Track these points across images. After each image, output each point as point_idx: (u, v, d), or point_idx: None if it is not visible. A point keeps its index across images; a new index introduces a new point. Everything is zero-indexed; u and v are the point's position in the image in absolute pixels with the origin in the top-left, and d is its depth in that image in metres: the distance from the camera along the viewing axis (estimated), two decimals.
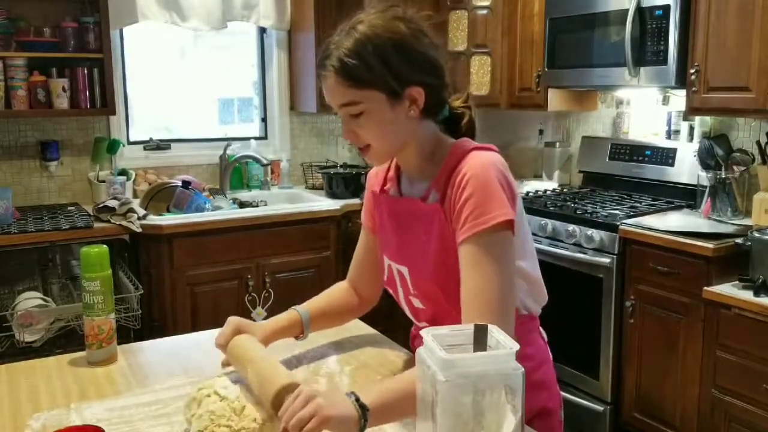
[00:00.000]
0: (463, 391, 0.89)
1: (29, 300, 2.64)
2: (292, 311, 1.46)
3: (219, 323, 1.56)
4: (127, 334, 2.69)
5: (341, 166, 3.96)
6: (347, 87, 1.19)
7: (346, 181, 3.63)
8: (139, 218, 2.98)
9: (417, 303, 1.34)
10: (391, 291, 1.42)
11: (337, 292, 1.55)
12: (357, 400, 1.07)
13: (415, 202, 1.31)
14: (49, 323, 2.59)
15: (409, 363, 1.50)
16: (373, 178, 1.45)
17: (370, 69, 1.18)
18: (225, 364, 1.37)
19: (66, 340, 2.70)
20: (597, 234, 2.92)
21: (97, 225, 2.93)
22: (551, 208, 3.19)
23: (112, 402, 1.31)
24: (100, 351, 1.48)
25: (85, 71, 3.18)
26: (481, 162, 1.20)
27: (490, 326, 0.94)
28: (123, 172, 3.43)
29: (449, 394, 0.88)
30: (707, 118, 3.10)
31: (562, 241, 3.08)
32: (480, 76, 3.85)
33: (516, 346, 0.90)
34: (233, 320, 1.40)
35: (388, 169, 1.41)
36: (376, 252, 1.46)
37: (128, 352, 1.57)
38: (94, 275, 1.45)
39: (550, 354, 1.42)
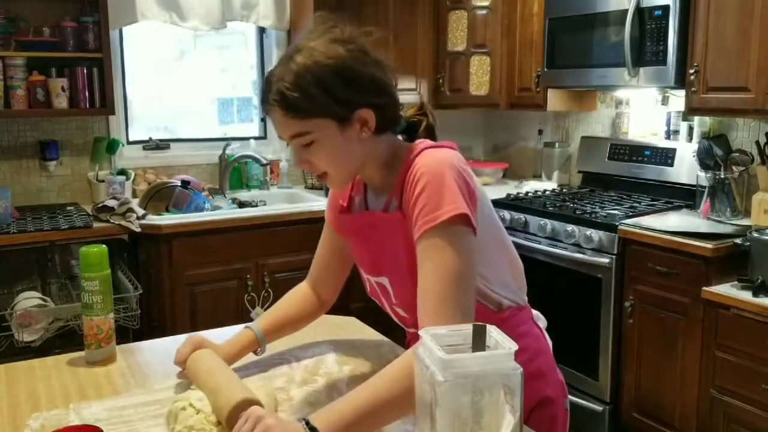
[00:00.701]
0: (461, 391, 0.89)
1: (28, 300, 2.63)
2: (246, 330, 1.45)
3: (218, 323, 1.57)
4: (126, 333, 2.69)
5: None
6: (293, 119, 1.17)
7: None
8: (138, 218, 2.98)
9: (401, 312, 1.34)
10: (377, 301, 1.41)
11: (294, 299, 1.53)
12: (307, 423, 1.04)
13: (375, 215, 1.29)
14: (48, 323, 2.59)
15: None
16: None
17: (313, 99, 1.15)
18: (182, 377, 1.38)
19: (65, 340, 2.69)
20: (596, 234, 2.92)
21: (96, 225, 2.92)
22: (550, 209, 3.19)
23: (111, 402, 1.31)
24: (99, 351, 1.48)
25: (85, 71, 3.18)
26: (432, 159, 1.18)
27: (488, 326, 0.94)
28: (122, 172, 3.43)
29: (448, 395, 0.88)
30: (706, 119, 3.11)
31: (561, 242, 3.08)
32: (479, 76, 3.85)
33: (515, 346, 0.89)
34: (193, 338, 1.40)
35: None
36: (338, 250, 1.46)
37: (127, 352, 1.57)
38: (93, 275, 1.45)
39: (548, 340, 1.41)
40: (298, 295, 1.53)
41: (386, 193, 1.29)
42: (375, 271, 1.34)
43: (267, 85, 1.19)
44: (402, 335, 1.60)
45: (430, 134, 1.32)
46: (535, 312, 1.43)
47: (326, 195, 3.56)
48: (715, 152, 2.94)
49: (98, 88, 3.22)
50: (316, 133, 1.18)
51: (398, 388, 1.07)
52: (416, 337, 0.97)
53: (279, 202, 3.69)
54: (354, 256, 1.41)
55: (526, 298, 1.37)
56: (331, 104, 1.16)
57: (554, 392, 1.36)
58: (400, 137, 1.32)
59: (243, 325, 1.47)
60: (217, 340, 1.44)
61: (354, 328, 1.70)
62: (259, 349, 1.46)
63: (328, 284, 1.52)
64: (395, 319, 1.40)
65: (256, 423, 1.03)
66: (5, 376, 1.44)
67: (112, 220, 2.95)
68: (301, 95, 1.15)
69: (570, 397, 2.18)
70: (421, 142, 1.26)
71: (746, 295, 2.39)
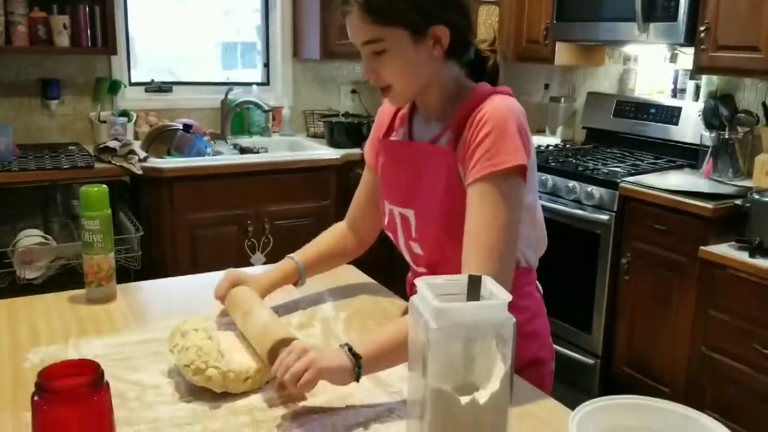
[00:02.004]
0: (454, 339, 0.91)
1: (30, 237, 2.65)
2: (287, 260, 1.47)
3: (219, 267, 1.58)
4: (128, 274, 2.71)
5: (343, 115, 3.93)
6: (370, 23, 1.17)
7: (347, 131, 3.61)
8: (140, 160, 2.98)
9: (417, 249, 1.35)
10: (390, 235, 1.42)
11: (333, 235, 1.54)
12: (350, 349, 1.09)
13: (423, 146, 1.30)
14: (50, 261, 2.62)
15: (403, 310, 1.51)
16: (384, 114, 1.43)
17: (395, 5, 1.16)
18: (223, 314, 1.40)
19: (66, 278, 2.72)
20: (597, 191, 2.92)
21: (98, 165, 2.93)
22: (552, 164, 3.18)
23: (111, 339, 1.34)
24: (99, 289, 1.50)
25: (87, 9, 3.14)
26: (501, 106, 1.20)
27: (484, 277, 0.95)
28: (124, 113, 3.41)
29: (441, 342, 0.90)
30: (714, 78, 3.07)
31: (561, 197, 3.08)
32: (487, 26, 3.79)
33: (508, 297, 0.91)
34: (231, 273, 1.41)
35: (399, 109, 1.39)
36: (377, 190, 1.45)
37: (127, 292, 1.58)
38: (93, 214, 1.46)
39: (545, 307, 1.44)
40: (337, 232, 1.55)
41: (439, 124, 1.29)
42: (404, 201, 1.34)
43: None
44: (400, 286, 1.61)
45: (495, 73, 1.32)
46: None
47: (329, 144, 3.59)
48: (720, 112, 2.91)
49: (100, 27, 3.17)
50: (390, 41, 1.18)
51: None
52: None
53: (280, 149, 3.68)
54: (383, 184, 1.40)
55: (537, 262, 1.39)
56: (411, 13, 1.17)
57: (545, 355, 1.39)
58: (464, 72, 1.31)
59: (287, 256, 1.49)
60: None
61: (351, 276, 1.72)
62: (299, 281, 1.48)
63: (365, 225, 1.52)
64: (406, 256, 1.41)
65: (301, 355, 1.07)
66: (6, 312, 1.46)
67: (113, 162, 2.95)
68: None
69: (562, 349, 2.21)
70: (484, 85, 1.27)
71: (743, 256, 2.41)
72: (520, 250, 1.30)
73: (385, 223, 1.41)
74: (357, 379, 1.09)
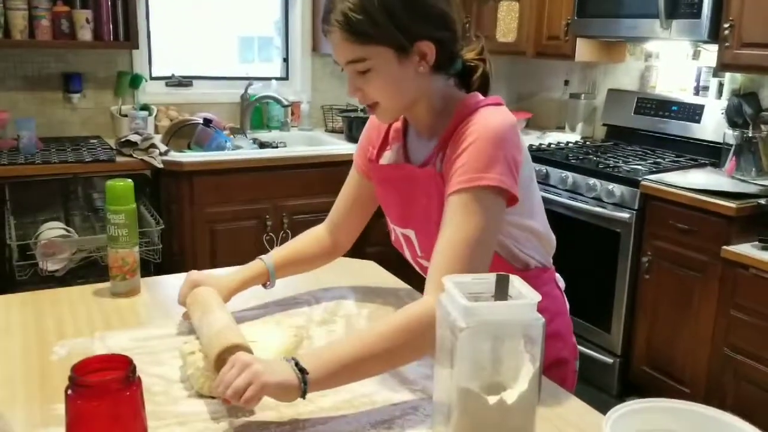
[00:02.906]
0: (482, 338, 0.91)
1: (52, 230, 2.68)
2: (257, 261, 1.44)
3: (238, 261, 1.59)
4: (148, 267, 2.73)
5: (361, 110, 3.92)
6: (353, 43, 1.15)
7: (365, 125, 3.59)
8: (160, 154, 3.00)
9: (426, 264, 1.34)
10: (399, 251, 1.41)
11: (308, 238, 1.51)
12: (296, 364, 1.03)
13: (413, 170, 1.28)
14: (72, 253, 2.64)
15: None
16: (377, 127, 1.40)
17: (376, 24, 1.13)
18: (186, 317, 1.37)
19: (87, 270, 2.75)
20: (618, 189, 2.90)
21: (119, 159, 2.95)
22: (573, 161, 3.17)
23: (136, 332, 1.35)
24: (123, 282, 1.51)
25: (109, 3, 3.16)
26: (487, 121, 1.16)
27: (512, 276, 0.95)
28: (145, 107, 3.43)
29: (468, 341, 0.90)
30: (737, 75, 3.04)
31: (581, 195, 3.06)
32: (507, 22, 3.77)
33: (538, 297, 0.90)
34: (192, 275, 1.39)
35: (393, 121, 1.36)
36: (362, 197, 1.44)
37: (151, 285, 1.59)
38: (119, 208, 1.47)
39: (567, 304, 1.43)
40: (313, 236, 1.52)
41: (431, 142, 1.27)
42: (403, 222, 1.33)
43: (331, 4, 1.17)
44: (419, 281, 1.61)
45: (485, 82, 1.29)
46: (556, 275, 1.44)
47: (347, 140, 3.59)
48: (744, 110, 2.88)
49: (122, 21, 3.19)
50: (374, 60, 1.16)
51: (390, 343, 1.07)
52: None
53: (299, 144, 3.69)
54: (382, 205, 1.40)
55: (551, 259, 1.38)
56: (394, 32, 1.14)
57: (569, 355, 1.38)
58: (452, 81, 1.28)
59: (258, 257, 1.46)
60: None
61: (372, 272, 1.72)
62: (268, 283, 1.44)
63: (345, 230, 1.50)
64: (417, 269, 1.41)
65: (243, 369, 1.01)
66: (32, 304, 1.47)
67: (135, 155, 2.97)
68: (365, 18, 1.13)
69: (581, 348, 2.20)
70: (474, 96, 1.24)
71: (766, 256, 2.38)
72: (526, 253, 1.29)
73: (392, 239, 1.40)
74: (303, 396, 1.03)
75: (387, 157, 1.37)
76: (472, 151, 1.14)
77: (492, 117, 1.17)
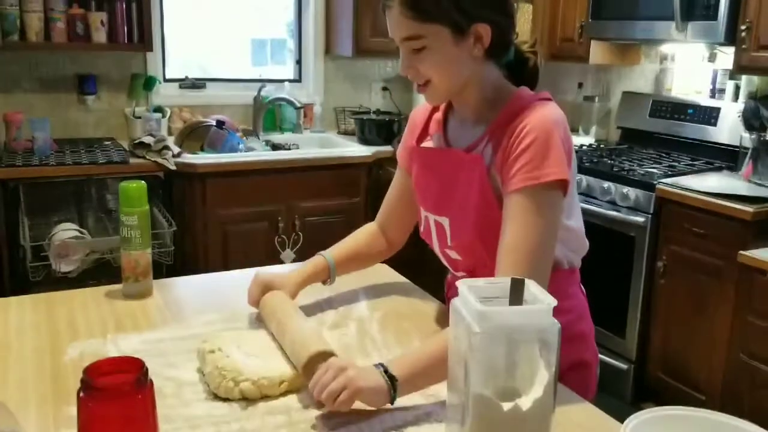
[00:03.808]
0: (497, 343, 0.89)
1: (65, 231, 2.69)
2: (318, 257, 1.46)
3: (250, 263, 1.59)
4: (160, 269, 2.73)
5: (374, 113, 3.92)
6: (411, 19, 1.16)
7: (378, 128, 3.60)
8: (173, 156, 3.00)
9: (454, 255, 1.33)
10: (427, 242, 1.40)
11: (363, 235, 1.53)
12: (386, 371, 1.07)
13: (457, 154, 1.28)
14: (85, 255, 2.65)
15: (437, 311, 1.51)
16: (418, 117, 1.41)
17: (437, 1, 1.14)
18: (258, 319, 1.39)
19: (100, 272, 2.75)
20: (633, 192, 2.87)
21: (132, 161, 2.96)
22: (587, 164, 3.14)
23: (148, 334, 1.34)
24: (136, 284, 1.50)
25: (124, 6, 3.17)
26: (544, 116, 1.17)
27: (527, 280, 0.93)
28: (158, 109, 3.44)
29: (483, 346, 0.88)
30: (754, 78, 3.01)
31: (595, 198, 3.04)
32: (520, 24, 3.75)
33: (553, 302, 0.89)
34: (260, 276, 1.40)
35: (434, 110, 1.37)
36: (410, 193, 1.44)
37: (163, 287, 1.59)
38: (132, 210, 1.46)
39: (588, 307, 1.42)
40: (368, 233, 1.53)
41: (478, 128, 1.26)
42: (438, 209, 1.32)
43: None
44: (432, 283, 1.60)
45: (534, 75, 1.30)
46: None
47: (359, 142, 3.58)
48: (761, 113, 2.85)
49: (137, 23, 3.21)
50: (430, 38, 1.16)
51: None
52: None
53: (311, 146, 3.68)
54: (418, 191, 1.39)
55: (580, 262, 1.37)
56: (453, 11, 1.15)
57: (591, 358, 1.37)
58: (502, 72, 1.28)
59: (318, 253, 1.48)
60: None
61: (385, 276, 1.71)
62: (328, 280, 1.46)
63: (396, 226, 1.51)
64: (444, 262, 1.40)
65: (338, 374, 1.05)
66: (45, 305, 1.47)
67: (148, 157, 2.98)
68: None
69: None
70: (525, 90, 1.24)
71: None
72: (563, 252, 1.29)
73: (422, 229, 1.40)
74: (392, 402, 1.07)
75: (428, 145, 1.37)
76: (533, 149, 1.14)
77: (549, 113, 1.18)
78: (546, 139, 1.14)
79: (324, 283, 1.47)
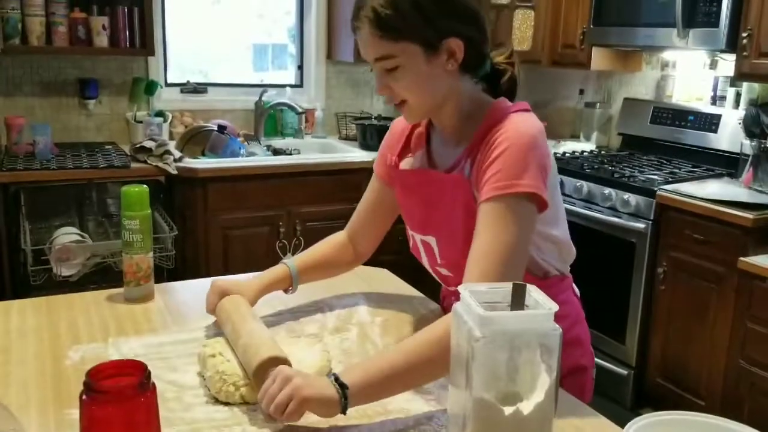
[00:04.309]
0: (498, 349, 0.89)
1: (66, 235, 2.69)
2: (280, 265, 1.44)
3: (251, 267, 1.59)
4: (161, 273, 2.74)
5: (375, 118, 3.93)
6: (382, 39, 1.15)
7: (379, 133, 3.59)
8: (175, 160, 3.01)
9: (445, 272, 1.33)
10: (416, 257, 1.40)
11: (330, 245, 1.51)
12: (336, 379, 1.03)
13: (438, 175, 1.27)
14: (86, 259, 2.65)
15: (438, 316, 1.50)
16: (398, 130, 1.39)
17: (405, 20, 1.13)
18: (215, 327, 1.37)
19: (101, 275, 2.76)
20: (633, 198, 2.88)
21: (134, 165, 2.96)
22: (587, 170, 3.15)
23: (149, 338, 1.34)
24: (137, 288, 1.51)
25: (125, 10, 3.18)
26: (518, 127, 1.15)
27: (529, 285, 0.94)
28: (160, 114, 3.45)
29: (484, 351, 0.88)
30: (755, 85, 3.02)
31: (596, 204, 3.04)
32: (522, 30, 3.76)
33: (555, 307, 0.89)
34: (217, 285, 1.37)
35: (415, 126, 1.35)
36: (383, 204, 1.43)
37: (164, 291, 1.59)
38: (134, 214, 1.47)
39: (583, 311, 1.42)
40: (335, 242, 1.51)
41: (458, 147, 1.25)
42: (423, 229, 1.32)
43: (361, 1, 1.17)
44: (431, 287, 1.60)
45: (512, 87, 1.28)
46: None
47: (361, 147, 3.59)
48: (762, 120, 2.86)
49: (138, 28, 3.22)
50: (402, 57, 1.15)
51: (430, 354, 1.06)
52: (455, 294, 0.96)
53: (313, 151, 3.69)
54: (403, 211, 1.38)
55: (569, 267, 1.36)
56: (423, 28, 1.14)
57: (587, 362, 1.37)
58: (480, 86, 1.27)
59: (281, 261, 1.46)
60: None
61: (386, 280, 1.71)
62: (290, 288, 1.44)
63: (366, 237, 1.49)
64: (436, 277, 1.40)
65: (285, 383, 1.01)
66: (46, 309, 1.47)
67: (149, 162, 2.98)
68: (395, 14, 1.13)
69: (595, 359, 2.17)
70: (502, 101, 1.23)
71: None
72: (547, 261, 1.28)
73: (410, 247, 1.39)
74: (343, 411, 1.03)
75: (410, 163, 1.36)
76: (505, 158, 1.13)
77: (523, 123, 1.16)
78: (519, 149, 1.13)
79: (286, 291, 1.45)
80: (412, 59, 1.16)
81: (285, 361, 1.12)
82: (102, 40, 3.15)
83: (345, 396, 1.02)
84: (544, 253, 1.27)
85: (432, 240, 1.31)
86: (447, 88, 1.21)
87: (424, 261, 1.37)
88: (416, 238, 1.35)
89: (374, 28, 1.15)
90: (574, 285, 1.40)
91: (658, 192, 2.79)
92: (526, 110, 1.21)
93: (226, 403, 1.12)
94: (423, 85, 1.19)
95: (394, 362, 1.06)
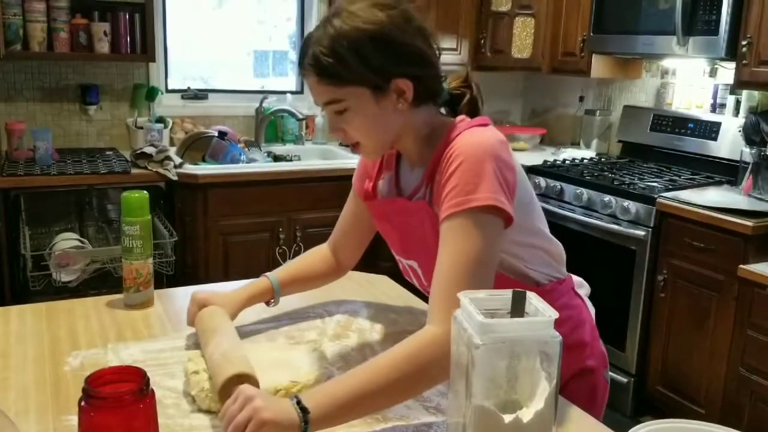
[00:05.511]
0: (498, 355, 0.89)
1: (66, 241, 2.69)
2: (262, 278, 1.43)
3: (250, 273, 1.58)
4: (161, 279, 2.73)
5: None
6: (327, 85, 1.14)
7: None
8: (175, 166, 3.01)
9: None
10: (409, 280, 1.40)
11: (313, 257, 1.51)
12: (298, 403, 0.99)
13: (402, 203, 1.27)
14: (85, 264, 2.65)
15: None
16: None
17: (347, 66, 1.11)
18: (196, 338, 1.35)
19: (100, 281, 2.76)
20: (633, 206, 2.88)
21: (134, 171, 2.96)
22: (587, 177, 3.15)
23: (149, 344, 1.34)
24: (137, 294, 1.51)
25: (127, 16, 3.19)
26: (473, 140, 1.13)
27: (529, 293, 0.94)
28: (160, 120, 3.46)
29: (484, 358, 0.88)
30: (755, 93, 3.02)
31: (596, 211, 3.04)
32: (522, 38, 3.77)
33: (555, 314, 0.89)
34: (197, 297, 1.36)
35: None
36: (362, 218, 1.43)
37: (164, 297, 1.59)
38: (134, 220, 1.47)
39: (591, 309, 1.40)
40: (317, 254, 1.51)
41: (419, 170, 1.25)
42: (405, 254, 1.32)
43: (304, 47, 1.16)
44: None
45: (473, 108, 1.26)
46: (577, 279, 1.40)
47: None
48: (762, 128, 2.86)
49: (139, 34, 3.22)
50: (350, 101, 1.14)
51: (396, 375, 1.03)
52: None
53: (313, 157, 3.69)
54: (384, 237, 1.38)
55: (565, 270, 1.35)
56: (366, 72, 1.12)
57: (595, 362, 1.34)
58: (442, 110, 1.27)
59: (263, 274, 1.45)
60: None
61: (386, 287, 1.71)
62: (272, 301, 1.44)
63: (348, 249, 1.49)
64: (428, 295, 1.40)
65: (245, 404, 0.98)
66: (46, 314, 1.47)
67: (149, 167, 2.98)
68: (336, 61, 1.11)
69: None
70: (462, 120, 1.21)
71: None
72: (536, 270, 1.27)
73: (401, 269, 1.39)
74: None
75: (380, 187, 1.36)
76: (460, 172, 1.10)
77: (477, 135, 1.14)
78: (474, 163, 1.10)
79: (268, 304, 1.44)
80: (360, 101, 1.14)
81: (250, 378, 1.09)
82: (103, 46, 3.15)
83: (306, 421, 0.98)
84: (530, 262, 1.26)
85: (414, 264, 1.31)
86: (400, 125, 1.20)
87: (415, 282, 1.37)
88: (402, 262, 1.36)
89: (318, 75, 1.14)
90: (581, 282, 1.39)
91: (658, 199, 2.79)
92: (484, 125, 1.20)
93: None
94: (374, 125, 1.18)
95: (358, 384, 1.03)
